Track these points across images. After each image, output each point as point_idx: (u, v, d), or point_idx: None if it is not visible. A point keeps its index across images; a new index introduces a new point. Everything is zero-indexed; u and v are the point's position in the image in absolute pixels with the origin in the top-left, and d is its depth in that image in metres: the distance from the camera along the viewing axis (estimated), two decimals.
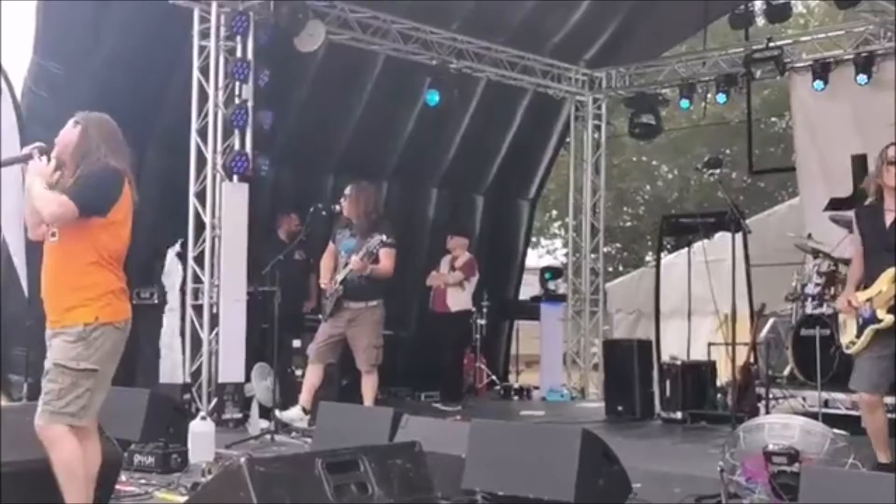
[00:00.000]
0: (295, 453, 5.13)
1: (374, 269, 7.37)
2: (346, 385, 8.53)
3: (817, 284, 8.52)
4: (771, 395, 8.71)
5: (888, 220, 5.39)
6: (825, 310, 8.27)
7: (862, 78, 10.02)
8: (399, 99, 11.21)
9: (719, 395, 9.20)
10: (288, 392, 8.06)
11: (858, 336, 5.40)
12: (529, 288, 13.52)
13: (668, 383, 9.24)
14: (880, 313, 5.28)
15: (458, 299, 10.80)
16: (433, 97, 10.60)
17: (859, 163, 10.23)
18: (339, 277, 7.46)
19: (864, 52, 10.12)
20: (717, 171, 5.91)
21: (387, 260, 7.44)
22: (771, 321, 10.29)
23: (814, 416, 5.76)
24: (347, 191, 7.65)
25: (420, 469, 3.82)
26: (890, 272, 5.28)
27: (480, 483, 4.91)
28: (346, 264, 7.44)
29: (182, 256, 8.63)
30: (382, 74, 10.85)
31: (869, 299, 5.33)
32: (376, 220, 7.57)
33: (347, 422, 5.93)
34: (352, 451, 3.68)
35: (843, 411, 8.28)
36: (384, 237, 7.30)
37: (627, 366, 9.53)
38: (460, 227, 11.56)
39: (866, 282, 5.41)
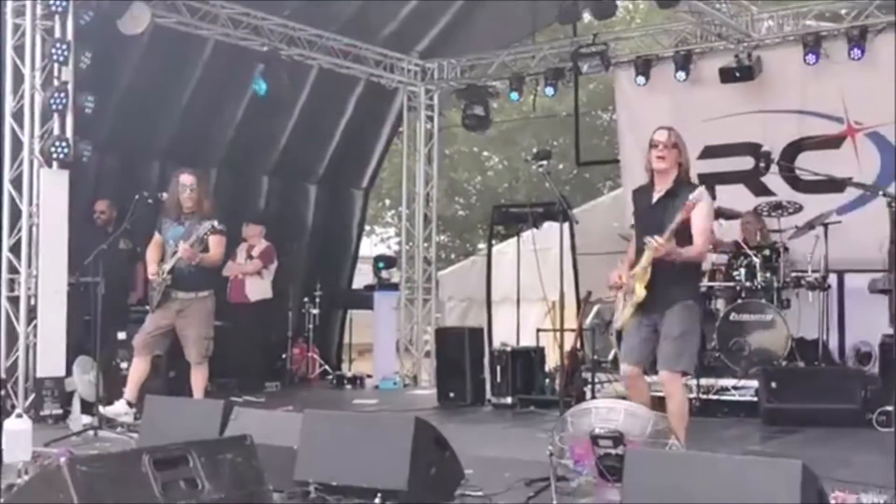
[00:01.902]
0: (120, 450, 4.94)
1: (203, 257, 7.21)
2: (173, 377, 8.30)
3: None
4: (597, 380, 9.04)
5: (654, 198, 5.63)
6: None
7: (681, 74, 10.46)
8: (229, 85, 10.97)
9: (548, 380, 9.47)
10: (112, 386, 7.79)
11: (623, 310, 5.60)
12: (363, 277, 13.52)
13: (498, 369, 9.44)
14: (637, 287, 5.45)
15: (258, 288, 10.65)
16: (261, 87, 10.38)
17: None
18: (167, 267, 7.26)
19: (683, 50, 10.57)
20: (545, 162, 6.04)
21: (217, 248, 7.31)
22: (596, 308, 10.67)
23: (661, 399, 5.97)
24: (191, 182, 7.42)
25: (251, 462, 3.75)
26: (649, 247, 5.43)
27: (313, 474, 4.87)
28: (174, 253, 7.24)
29: None
30: (211, 60, 10.59)
31: (633, 275, 5.51)
32: (208, 208, 7.41)
33: (175, 415, 5.77)
34: (180, 447, 3.58)
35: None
36: (215, 223, 7.15)
37: (459, 353, 9.67)
38: (247, 211, 11.30)
39: (636, 258, 5.59)
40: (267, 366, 11.13)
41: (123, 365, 8.12)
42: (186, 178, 7.44)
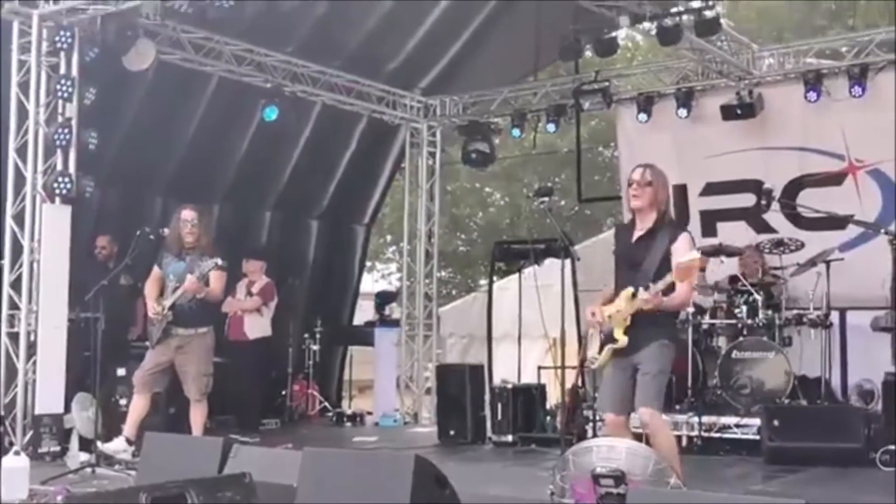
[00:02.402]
0: (117, 488, 4.91)
1: (207, 291, 7.22)
2: (173, 414, 8.26)
3: None
4: (598, 417, 8.97)
5: (635, 237, 5.61)
6: None
7: (682, 111, 10.50)
8: (232, 121, 11.01)
9: (549, 418, 9.40)
10: (112, 423, 7.76)
11: (600, 352, 5.54)
12: (364, 313, 13.49)
13: (499, 407, 9.37)
14: (616, 332, 5.41)
15: (257, 326, 10.49)
16: (271, 113, 10.37)
17: (679, 192, 10.72)
18: (168, 303, 7.25)
19: (685, 87, 10.62)
20: (547, 199, 6.05)
21: (217, 283, 7.32)
22: None
23: (638, 436, 5.94)
24: (192, 218, 7.43)
25: (250, 500, 3.73)
26: (628, 291, 5.43)
27: None
28: (175, 289, 7.24)
29: None
30: (215, 96, 10.64)
31: (610, 315, 5.46)
32: (207, 243, 7.42)
33: (174, 453, 5.72)
34: (178, 485, 3.56)
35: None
36: (219, 260, 7.17)
37: (459, 390, 9.62)
38: (249, 246, 11.20)
39: (613, 297, 5.55)
40: (267, 402, 11.05)
41: (123, 401, 8.11)
42: (188, 214, 7.45)
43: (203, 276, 7.17)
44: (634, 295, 5.38)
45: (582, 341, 9.66)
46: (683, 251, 5.35)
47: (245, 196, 11.69)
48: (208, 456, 5.49)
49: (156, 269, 7.53)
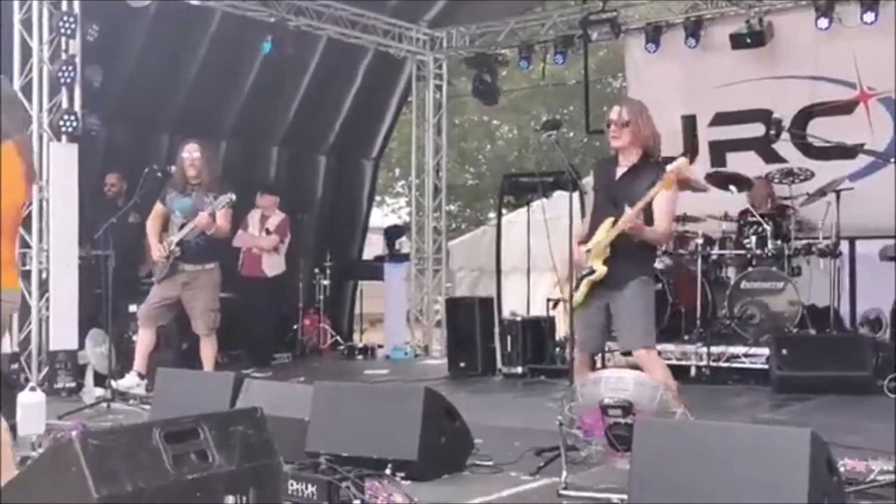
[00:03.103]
0: (131, 424, 4.98)
1: (216, 227, 7.24)
2: (185, 349, 8.35)
3: None
4: (606, 349, 9.01)
5: (618, 173, 5.42)
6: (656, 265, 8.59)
7: (691, 41, 10.37)
8: (236, 57, 10.92)
9: (558, 350, 9.47)
10: (125, 358, 7.85)
11: (577, 289, 5.40)
12: (374, 247, 13.52)
13: (508, 339, 9.45)
14: (595, 263, 5.27)
15: (274, 263, 10.46)
16: (266, 46, 10.33)
17: (688, 123, 10.66)
18: (176, 239, 7.28)
19: (693, 16, 10.48)
20: (555, 132, 5.99)
21: (224, 220, 7.33)
22: None
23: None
24: (193, 151, 7.42)
25: (262, 434, 3.75)
26: (607, 222, 5.26)
27: (324, 445, 4.90)
28: (183, 225, 7.25)
29: None
30: (219, 31, 10.54)
31: (588, 251, 5.32)
32: (211, 178, 7.42)
33: (187, 388, 5.81)
34: (190, 420, 3.58)
35: (673, 362, 8.68)
36: (233, 196, 7.18)
37: (469, 323, 9.69)
38: (256, 182, 11.10)
39: (591, 234, 5.38)
40: (278, 337, 11.15)
41: (135, 337, 8.15)
42: (190, 149, 7.44)
43: (214, 213, 7.18)
44: (615, 224, 5.22)
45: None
46: (669, 199, 5.25)
47: (252, 132, 11.64)
48: (220, 391, 5.58)
49: (158, 205, 7.53)
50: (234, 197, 7.18)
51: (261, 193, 10.62)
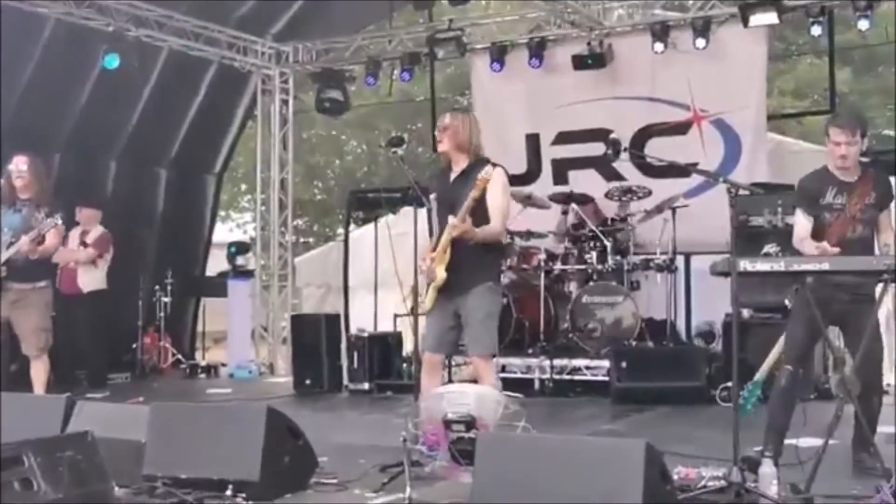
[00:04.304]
0: None
1: (42, 250, 6.91)
2: (14, 371, 7.92)
3: None
4: (453, 363, 9.09)
5: (451, 178, 5.64)
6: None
7: (535, 61, 10.59)
8: (72, 67, 10.49)
9: (405, 365, 9.48)
10: None
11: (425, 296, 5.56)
12: (219, 263, 13.21)
13: (355, 355, 9.42)
14: (438, 270, 5.42)
15: (91, 278, 9.79)
16: (112, 61, 9.93)
17: (532, 141, 10.89)
18: (3, 258, 6.91)
19: (537, 37, 10.70)
20: (399, 148, 6.02)
21: (53, 239, 7.00)
22: None
23: None
24: (20, 164, 7.06)
25: (93, 459, 3.61)
26: (447, 227, 5.42)
27: (162, 468, 4.74)
28: (11, 243, 6.90)
29: None
30: (52, 39, 10.12)
31: (433, 258, 5.48)
32: (41, 192, 7.09)
33: (14, 413, 5.46)
34: (13, 446, 3.41)
35: (518, 375, 8.83)
36: (58, 220, 6.84)
37: (315, 339, 9.60)
38: (93, 197, 10.47)
39: (437, 242, 5.54)
40: (116, 357, 10.71)
41: None
42: (18, 161, 7.10)
43: (39, 237, 6.84)
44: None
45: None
46: (499, 193, 5.41)
47: (88, 145, 11.17)
48: (50, 414, 5.30)
49: None
50: (59, 221, 6.84)
51: (80, 208, 9.87)
